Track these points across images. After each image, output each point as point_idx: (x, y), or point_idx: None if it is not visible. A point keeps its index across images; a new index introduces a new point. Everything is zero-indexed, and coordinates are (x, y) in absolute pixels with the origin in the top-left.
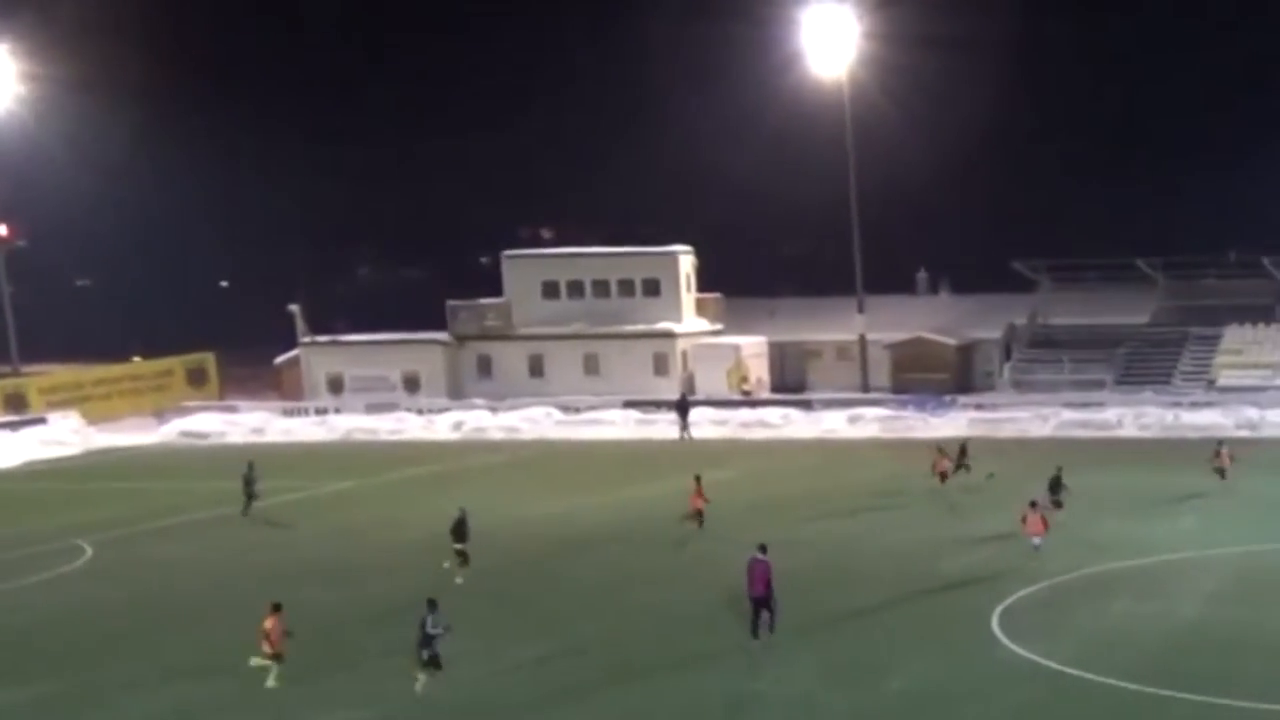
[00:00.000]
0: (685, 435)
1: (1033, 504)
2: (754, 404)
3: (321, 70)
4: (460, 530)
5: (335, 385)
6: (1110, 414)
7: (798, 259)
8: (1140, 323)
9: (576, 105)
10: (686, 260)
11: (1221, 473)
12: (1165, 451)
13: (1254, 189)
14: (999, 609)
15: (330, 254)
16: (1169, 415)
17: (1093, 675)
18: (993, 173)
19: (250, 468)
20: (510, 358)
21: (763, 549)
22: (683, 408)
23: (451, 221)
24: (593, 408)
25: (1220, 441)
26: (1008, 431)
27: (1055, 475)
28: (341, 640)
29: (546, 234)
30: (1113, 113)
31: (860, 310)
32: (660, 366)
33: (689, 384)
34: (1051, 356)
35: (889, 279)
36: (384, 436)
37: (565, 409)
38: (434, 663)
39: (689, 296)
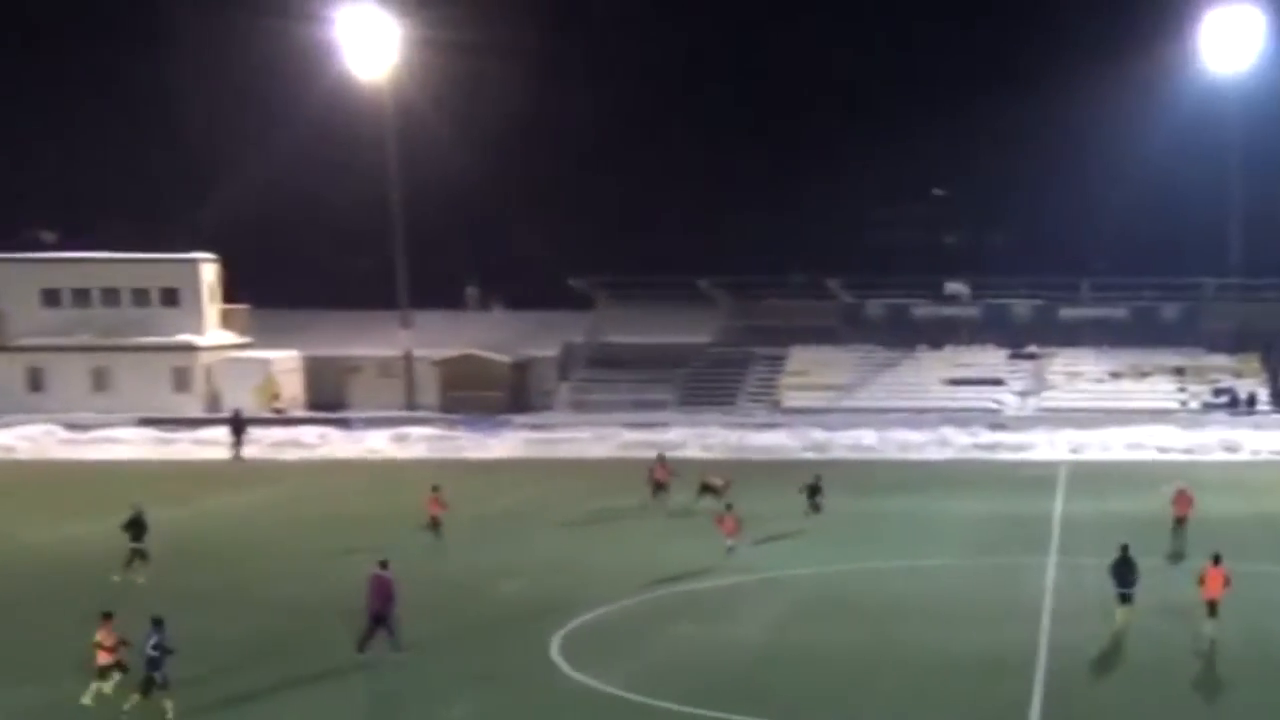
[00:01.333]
0: (238, 454)
1: (728, 506)
2: (287, 422)
3: None
4: (136, 528)
5: None
6: (673, 435)
7: (337, 269)
8: (703, 342)
9: (89, 98)
10: (210, 269)
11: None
12: (734, 472)
13: (816, 212)
14: (560, 634)
15: None
16: (734, 437)
17: (652, 700)
18: (547, 186)
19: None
20: (3, 370)
21: (383, 565)
22: (237, 425)
23: None
24: (103, 425)
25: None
26: (566, 452)
27: (813, 483)
28: None
29: (48, 237)
30: (672, 132)
31: (405, 325)
32: (180, 382)
33: (213, 400)
34: (611, 376)
35: (437, 293)
36: None
37: (70, 427)
38: (164, 684)
39: (213, 307)
